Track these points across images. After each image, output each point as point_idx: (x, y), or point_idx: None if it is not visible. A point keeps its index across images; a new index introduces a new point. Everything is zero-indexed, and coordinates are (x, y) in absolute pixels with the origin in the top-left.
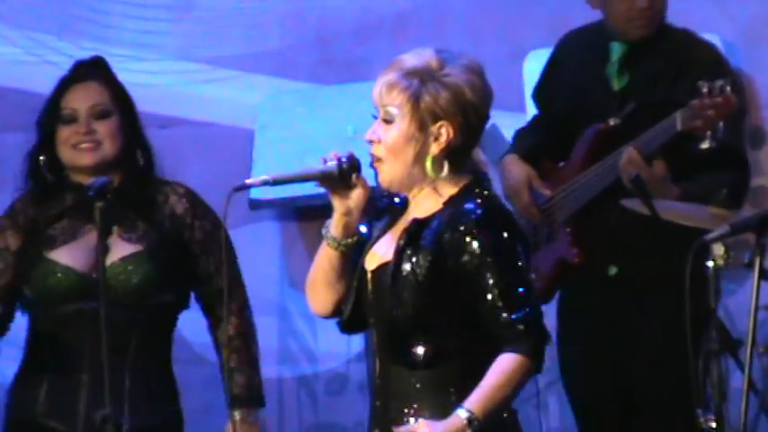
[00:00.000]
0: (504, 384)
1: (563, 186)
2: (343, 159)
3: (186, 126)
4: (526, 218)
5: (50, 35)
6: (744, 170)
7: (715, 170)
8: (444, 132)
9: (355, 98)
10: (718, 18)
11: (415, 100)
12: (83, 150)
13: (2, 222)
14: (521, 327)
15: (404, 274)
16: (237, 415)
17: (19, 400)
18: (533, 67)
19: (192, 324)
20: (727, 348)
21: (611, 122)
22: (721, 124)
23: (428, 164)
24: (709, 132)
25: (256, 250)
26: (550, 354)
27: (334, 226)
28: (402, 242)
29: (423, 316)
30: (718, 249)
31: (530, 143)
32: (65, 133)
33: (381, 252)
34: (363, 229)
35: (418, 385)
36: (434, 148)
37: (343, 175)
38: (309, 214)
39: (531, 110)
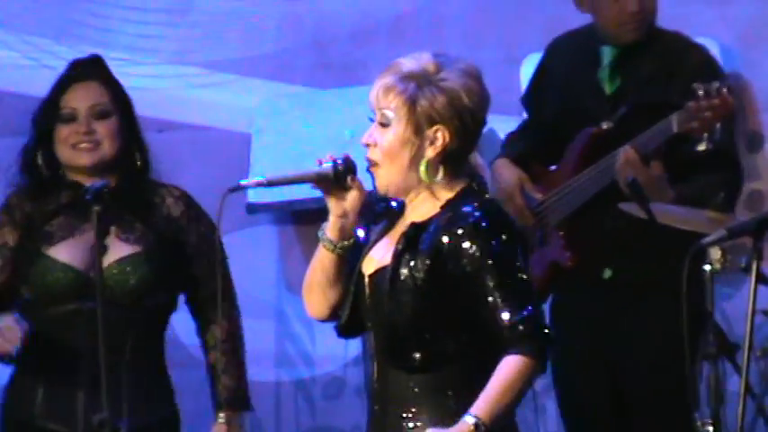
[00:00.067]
0: (509, 387)
1: (555, 190)
2: (339, 161)
3: (183, 130)
4: (518, 222)
5: (48, 39)
6: (736, 172)
7: (708, 172)
8: (440, 137)
9: (353, 102)
10: (715, 22)
11: (412, 104)
12: (81, 150)
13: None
14: (523, 328)
15: (402, 278)
16: (224, 418)
17: (16, 400)
18: (530, 71)
19: (187, 327)
20: (724, 352)
21: (604, 126)
22: (718, 126)
23: (422, 168)
24: (705, 134)
25: (253, 254)
26: None
27: (330, 228)
28: (400, 246)
29: (421, 320)
30: (716, 253)
31: (520, 148)
32: (64, 132)
33: (379, 256)
34: (361, 233)
35: (416, 389)
36: (430, 152)
37: (339, 177)
38: (306, 218)
39: None
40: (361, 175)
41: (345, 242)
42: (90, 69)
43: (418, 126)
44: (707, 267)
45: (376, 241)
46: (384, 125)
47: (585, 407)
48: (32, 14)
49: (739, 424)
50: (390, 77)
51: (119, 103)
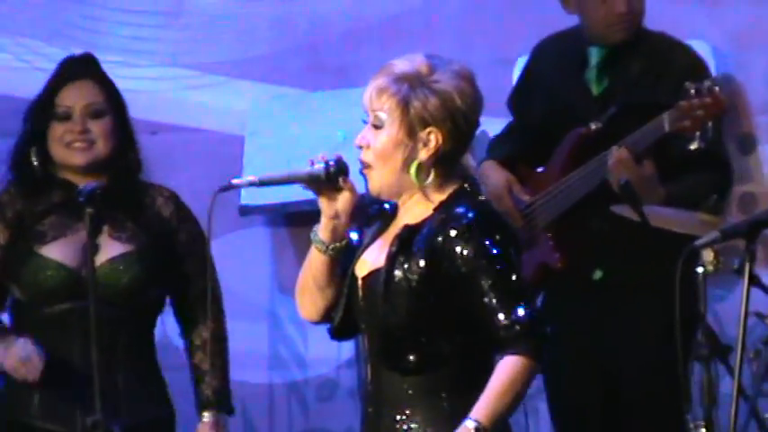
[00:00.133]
0: (508, 389)
1: (543, 192)
2: (331, 162)
3: (176, 132)
4: None
5: (40, 41)
6: (726, 172)
7: (697, 171)
8: (433, 138)
9: (345, 104)
10: (707, 24)
11: (405, 105)
12: (76, 149)
13: None
14: (519, 328)
15: (396, 280)
16: (209, 417)
17: (12, 401)
18: None
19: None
20: (716, 354)
21: (593, 126)
22: (710, 124)
23: (412, 171)
24: (697, 133)
25: (246, 256)
26: None
27: (322, 230)
28: (394, 248)
29: (416, 322)
30: (708, 255)
31: (506, 150)
32: (58, 130)
33: (372, 259)
34: (354, 236)
35: (410, 391)
36: (423, 155)
37: (331, 178)
38: (299, 220)
39: None
40: (354, 176)
41: (337, 244)
42: (84, 68)
43: (411, 128)
44: (700, 269)
45: (369, 244)
46: (377, 127)
47: (576, 409)
48: (25, 17)
49: (732, 426)
50: (383, 79)
51: (113, 103)
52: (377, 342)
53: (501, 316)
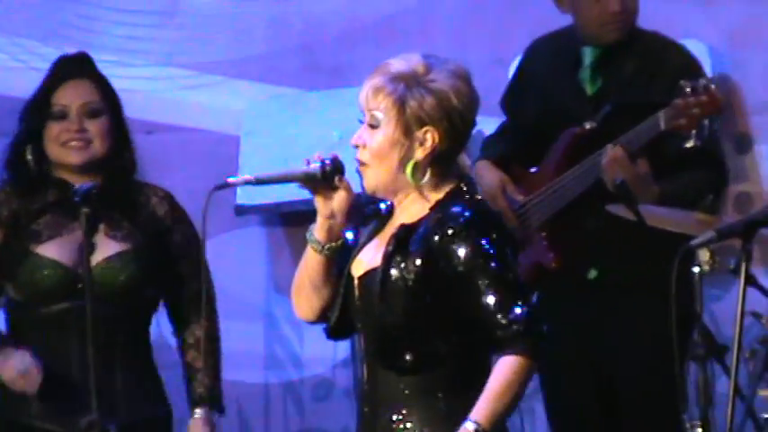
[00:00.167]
0: (507, 389)
1: (537, 191)
2: (327, 161)
3: (172, 132)
4: None
5: (36, 41)
6: (721, 170)
7: (691, 169)
8: (429, 138)
9: (341, 104)
10: (703, 23)
11: (401, 105)
12: (72, 148)
13: None
14: (517, 327)
15: (393, 279)
16: (201, 413)
17: (11, 402)
18: None
19: None
20: (713, 353)
21: (587, 126)
22: (706, 122)
23: (408, 170)
24: (693, 131)
25: (242, 256)
26: None
27: (317, 229)
28: (390, 248)
29: (412, 321)
30: (704, 255)
31: (500, 150)
32: (55, 130)
33: (368, 258)
34: (350, 235)
35: (407, 391)
36: (419, 154)
37: (326, 177)
38: (295, 220)
39: None
40: (350, 176)
41: (333, 243)
42: (80, 67)
43: (407, 127)
44: (696, 269)
45: (365, 243)
46: (373, 126)
47: (573, 408)
48: (20, 17)
49: (728, 425)
50: (380, 78)
51: (109, 103)
52: (373, 342)
53: (498, 315)
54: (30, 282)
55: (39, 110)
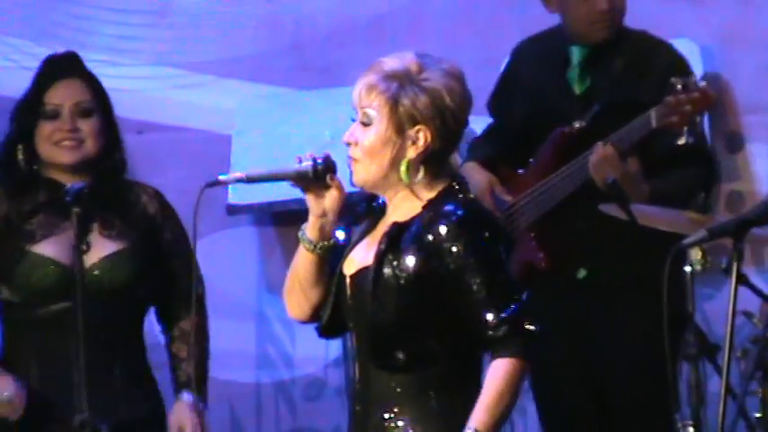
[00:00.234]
0: (503, 393)
1: (526, 192)
2: (319, 160)
3: (163, 131)
4: None
5: (27, 40)
6: (711, 167)
7: (681, 167)
8: (422, 137)
9: (332, 103)
10: (695, 23)
11: (394, 103)
12: (64, 148)
13: None
14: (507, 328)
15: (385, 278)
16: (187, 397)
17: None
18: None
19: None
20: (704, 353)
21: (577, 125)
22: (698, 119)
23: (402, 168)
24: (685, 128)
25: (234, 255)
26: None
27: (309, 228)
28: (383, 246)
29: (405, 319)
30: (696, 254)
31: (487, 152)
32: (47, 129)
33: (360, 257)
34: (341, 234)
35: (399, 389)
36: (411, 153)
37: (318, 176)
38: (287, 219)
39: None
40: (342, 175)
41: (325, 242)
42: (71, 66)
43: (400, 125)
44: (687, 268)
45: (357, 242)
46: (366, 124)
47: (564, 408)
48: (11, 16)
49: (720, 425)
50: (373, 76)
51: (100, 102)
52: (365, 340)
53: (489, 315)
54: (27, 282)
55: (30, 109)
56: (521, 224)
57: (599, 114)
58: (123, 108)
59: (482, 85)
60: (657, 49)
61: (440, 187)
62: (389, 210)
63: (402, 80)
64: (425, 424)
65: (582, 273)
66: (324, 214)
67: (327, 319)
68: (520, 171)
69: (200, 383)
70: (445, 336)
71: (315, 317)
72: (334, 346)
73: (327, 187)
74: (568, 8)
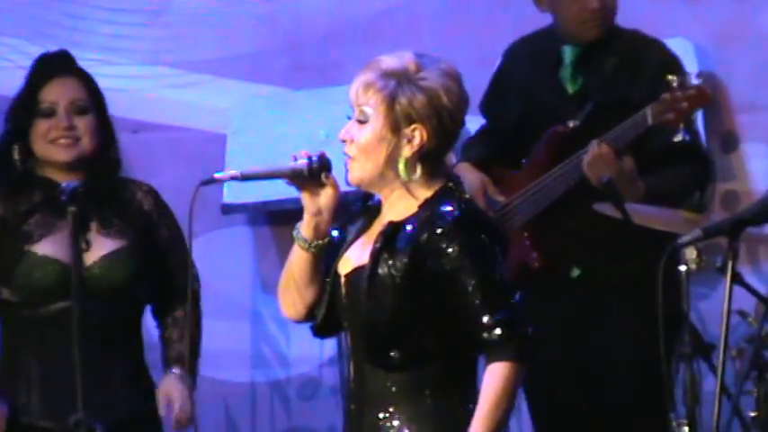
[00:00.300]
0: (501, 398)
1: (519, 192)
2: (314, 158)
3: (158, 130)
4: None
5: (22, 40)
6: (705, 165)
7: (676, 165)
8: (418, 135)
9: (328, 102)
10: (689, 22)
11: (391, 101)
12: (60, 146)
13: None
14: (502, 331)
15: (380, 277)
16: (177, 370)
17: (10, 401)
18: None
19: None
20: (699, 352)
21: (570, 124)
22: (694, 117)
23: (401, 166)
24: (681, 125)
25: (228, 254)
26: None
27: (304, 227)
28: (378, 245)
29: (400, 318)
30: (691, 253)
31: (480, 152)
32: (43, 127)
33: (355, 256)
34: (335, 233)
35: (394, 388)
36: (407, 151)
37: (313, 174)
38: (282, 218)
39: None
40: (337, 173)
41: (320, 241)
42: (65, 64)
43: (396, 124)
44: (683, 267)
45: (352, 241)
46: (362, 122)
47: (558, 408)
48: (6, 15)
49: (715, 424)
50: (371, 74)
51: (95, 100)
52: (360, 339)
53: (484, 317)
54: (28, 282)
55: (25, 108)
56: (515, 224)
57: (592, 113)
58: (118, 107)
59: (478, 85)
60: (649, 48)
61: (436, 187)
62: (385, 209)
63: (400, 79)
64: (420, 423)
65: (576, 272)
66: (319, 212)
67: (322, 319)
68: (515, 172)
69: (190, 362)
70: (441, 335)
71: (309, 316)
72: (329, 346)
73: (322, 185)
74: (560, 8)
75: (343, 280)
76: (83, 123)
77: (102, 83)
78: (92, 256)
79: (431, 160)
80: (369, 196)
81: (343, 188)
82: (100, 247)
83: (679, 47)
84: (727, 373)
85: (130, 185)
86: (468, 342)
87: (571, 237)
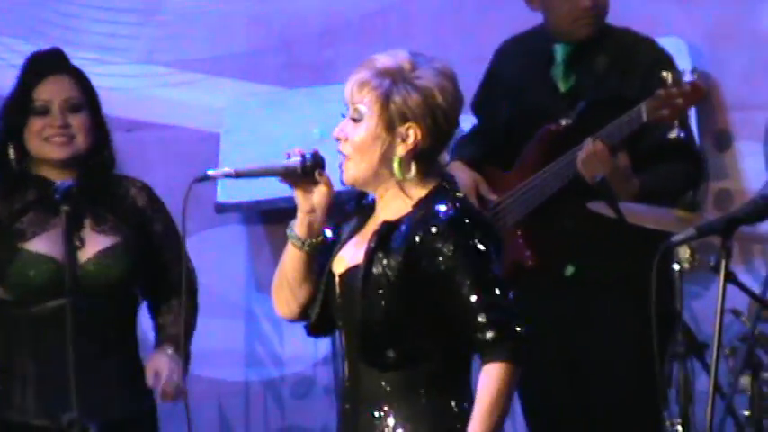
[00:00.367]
0: (497, 399)
1: (512, 191)
2: (307, 156)
3: (152, 129)
4: None
5: (17, 39)
6: (698, 162)
7: (668, 162)
8: (412, 134)
9: (321, 101)
10: (682, 21)
11: (385, 100)
12: (55, 144)
13: None
14: (497, 331)
15: (375, 276)
16: (167, 347)
17: (5, 399)
18: None
19: None
20: (693, 351)
21: (563, 123)
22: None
23: (395, 165)
24: (676, 122)
25: (222, 253)
26: None
27: (298, 225)
28: (372, 244)
29: (395, 317)
30: (684, 252)
31: (472, 151)
32: (37, 125)
33: (349, 256)
34: (328, 233)
35: (388, 387)
36: (401, 150)
37: (306, 172)
38: (276, 217)
39: None
40: (330, 172)
41: (313, 240)
42: (59, 63)
43: (390, 122)
44: (676, 266)
45: (346, 241)
46: (356, 120)
47: (551, 407)
48: (1, 15)
49: (708, 423)
50: (365, 73)
51: (88, 98)
52: (355, 339)
53: (479, 317)
54: (23, 279)
55: (19, 106)
56: (508, 222)
57: (585, 111)
58: (112, 106)
59: (470, 84)
60: (641, 46)
61: (430, 186)
62: (379, 208)
63: (395, 77)
64: (415, 422)
65: (569, 270)
66: (312, 210)
67: (316, 318)
68: (507, 171)
69: (185, 343)
70: (435, 334)
71: (303, 315)
72: (323, 345)
73: (316, 183)
74: (551, 6)
75: (337, 279)
76: (77, 121)
77: (97, 82)
78: (86, 253)
79: (425, 159)
80: (363, 195)
81: (337, 187)
82: (94, 244)
83: (672, 46)
84: (720, 371)
85: (124, 182)
86: (463, 341)
87: (565, 235)
